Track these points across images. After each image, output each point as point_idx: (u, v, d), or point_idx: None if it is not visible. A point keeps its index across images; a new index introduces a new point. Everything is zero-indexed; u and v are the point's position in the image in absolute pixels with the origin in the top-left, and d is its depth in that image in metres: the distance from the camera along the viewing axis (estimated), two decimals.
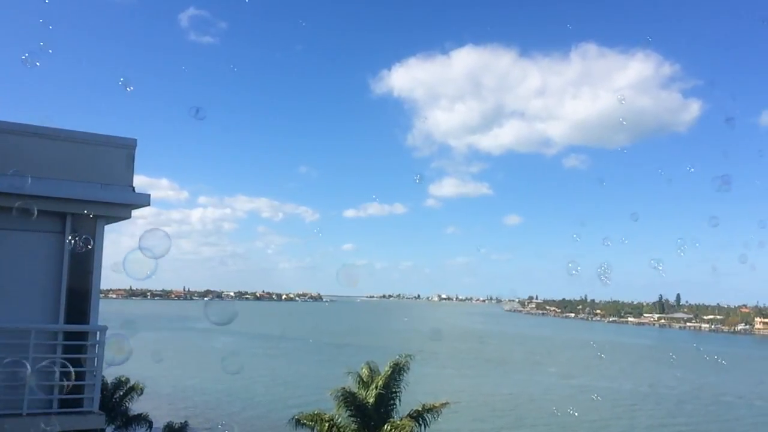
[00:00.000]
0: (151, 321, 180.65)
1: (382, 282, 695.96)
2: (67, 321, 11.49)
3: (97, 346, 11.49)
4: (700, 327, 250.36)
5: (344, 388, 26.70)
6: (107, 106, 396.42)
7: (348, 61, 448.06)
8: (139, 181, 12.22)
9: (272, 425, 51.39)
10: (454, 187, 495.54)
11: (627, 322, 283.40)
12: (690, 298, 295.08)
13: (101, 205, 11.65)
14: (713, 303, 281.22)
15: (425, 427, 26.96)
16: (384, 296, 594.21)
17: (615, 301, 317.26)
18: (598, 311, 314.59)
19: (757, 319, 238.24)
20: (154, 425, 38.81)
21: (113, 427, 34.71)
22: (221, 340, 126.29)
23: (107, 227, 12.10)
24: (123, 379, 36.81)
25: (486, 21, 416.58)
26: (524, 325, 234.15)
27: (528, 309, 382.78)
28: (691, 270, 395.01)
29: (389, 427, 25.47)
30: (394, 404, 26.99)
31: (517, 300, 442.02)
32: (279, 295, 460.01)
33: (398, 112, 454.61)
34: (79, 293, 11.58)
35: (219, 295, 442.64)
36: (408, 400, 27.67)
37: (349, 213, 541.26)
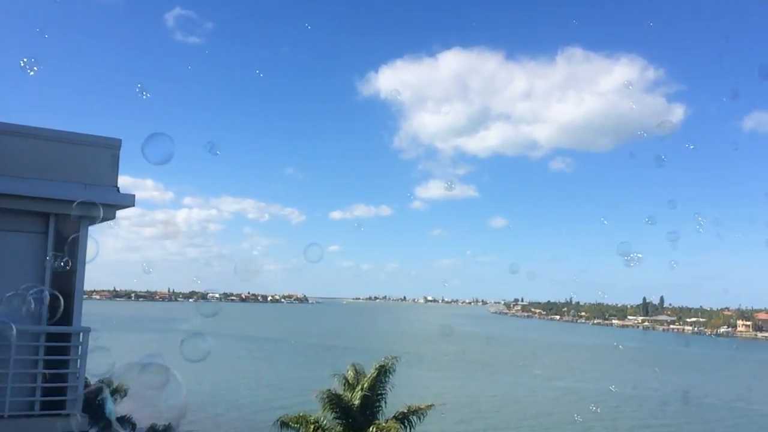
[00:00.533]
0: (135, 322, 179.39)
1: (369, 284, 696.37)
2: (50, 322, 11.38)
3: (80, 347, 11.40)
4: (684, 329, 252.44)
5: (329, 390, 26.65)
6: (92, 106, 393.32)
7: (335, 63, 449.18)
8: (124, 182, 12.16)
9: (257, 427, 51.16)
10: (440, 189, 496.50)
11: (611, 324, 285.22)
12: (673, 300, 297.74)
13: (85, 206, 11.56)
14: (696, 306, 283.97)
15: (410, 429, 26.95)
16: (370, 298, 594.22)
17: (599, 304, 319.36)
18: (583, 313, 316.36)
19: (740, 322, 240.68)
20: (138, 427, 38.52)
21: (96, 429, 34.38)
22: (207, 341, 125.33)
23: (91, 228, 12.01)
24: (106, 380, 36.49)
25: (472, 24, 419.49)
26: (510, 327, 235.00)
27: (513, 311, 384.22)
28: (675, 273, 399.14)
29: (374, 429, 25.44)
30: (380, 406, 26.97)
31: (502, 302, 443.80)
32: (264, 297, 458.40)
33: (385, 114, 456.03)
34: (61, 294, 11.48)
35: (204, 297, 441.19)
36: (393, 402, 27.66)
37: (336, 215, 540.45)
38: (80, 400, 11.42)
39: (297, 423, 26.47)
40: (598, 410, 66.09)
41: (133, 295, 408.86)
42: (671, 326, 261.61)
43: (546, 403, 71.93)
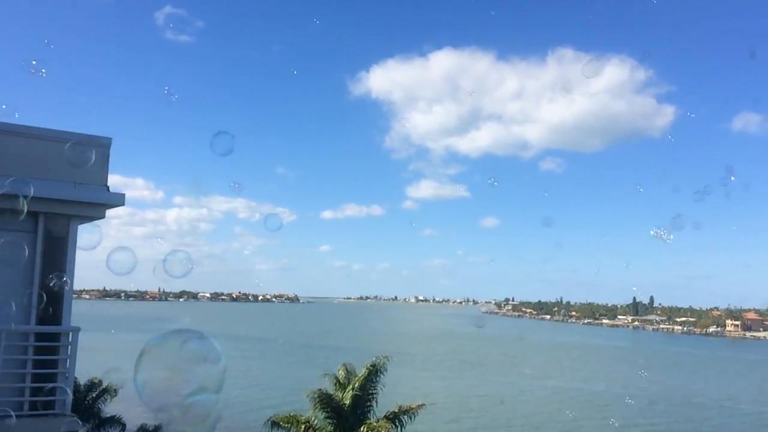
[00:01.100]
0: (126, 322, 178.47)
1: (360, 283, 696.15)
2: (39, 322, 11.32)
3: (69, 347, 11.34)
4: (673, 329, 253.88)
5: (321, 389, 26.63)
6: (83, 105, 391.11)
7: (326, 62, 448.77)
8: (114, 181, 12.10)
9: (248, 427, 51.01)
10: (431, 189, 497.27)
11: (602, 323, 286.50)
12: (663, 300, 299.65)
13: (74, 205, 11.50)
14: (686, 305, 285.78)
15: (401, 428, 26.95)
16: (361, 298, 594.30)
17: (590, 303, 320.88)
18: (573, 313, 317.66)
19: (728, 322, 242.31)
20: (128, 427, 38.34)
21: (86, 429, 34.20)
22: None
23: (80, 227, 11.95)
24: (96, 380, 36.29)
25: (464, 24, 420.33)
26: (501, 327, 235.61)
27: (504, 311, 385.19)
28: (665, 273, 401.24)
29: (365, 429, 25.43)
30: (371, 406, 26.97)
31: (493, 302, 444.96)
32: (255, 297, 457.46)
33: (376, 114, 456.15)
34: (51, 294, 11.42)
35: (195, 296, 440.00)
36: (385, 402, 27.67)
37: (327, 214, 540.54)
38: (69, 400, 11.35)
39: (288, 423, 26.43)
40: (586, 409, 66.49)
41: (123, 294, 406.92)
42: (661, 326, 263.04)
43: (536, 402, 72.20)
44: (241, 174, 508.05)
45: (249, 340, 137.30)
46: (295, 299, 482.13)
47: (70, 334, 11.42)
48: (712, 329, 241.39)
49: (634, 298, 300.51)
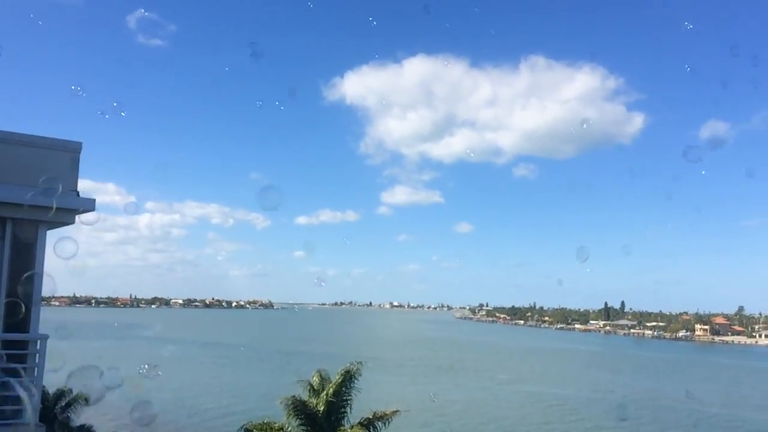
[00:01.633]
0: (96, 329, 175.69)
1: (335, 289, 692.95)
2: (6, 330, 11.10)
3: (37, 355, 11.13)
4: (644, 333, 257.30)
5: (294, 396, 26.48)
6: (53, 110, 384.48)
7: (300, 68, 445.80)
8: (85, 186, 11.93)
9: None
10: (406, 195, 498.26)
11: (574, 329, 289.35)
12: (634, 305, 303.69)
13: (43, 210, 11.31)
14: (656, 310, 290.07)
15: None
16: (336, 303, 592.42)
17: (562, 309, 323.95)
18: (546, 318, 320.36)
19: (698, 326, 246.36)
20: None
21: None
22: (168, 348, 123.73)
23: (49, 232, 11.76)
24: (65, 389, 35.66)
25: (437, 31, 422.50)
26: (475, 332, 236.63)
27: (479, 316, 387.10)
28: (635, 278, 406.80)
29: None
30: (345, 412, 26.88)
31: (467, 307, 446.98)
32: (229, 303, 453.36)
33: (351, 120, 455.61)
34: (18, 301, 11.20)
35: (167, 303, 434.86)
36: (359, 408, 27.61)
37: (301, 220, 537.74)
38: (37, 410, 11.14)
39: (261, 430, 26.25)
40: (563, 414, 67.09)
41: (93, 301, 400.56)
42: (632, 330, 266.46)
43: (510, 407, 72.63)
44: (214, 179, 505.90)
45: (222, 346, 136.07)
46: (269, 305, 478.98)
47: (39, 341, 11.22)
48: (681, 334, 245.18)
49: (606, 303, 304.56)
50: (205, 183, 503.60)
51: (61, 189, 11.37)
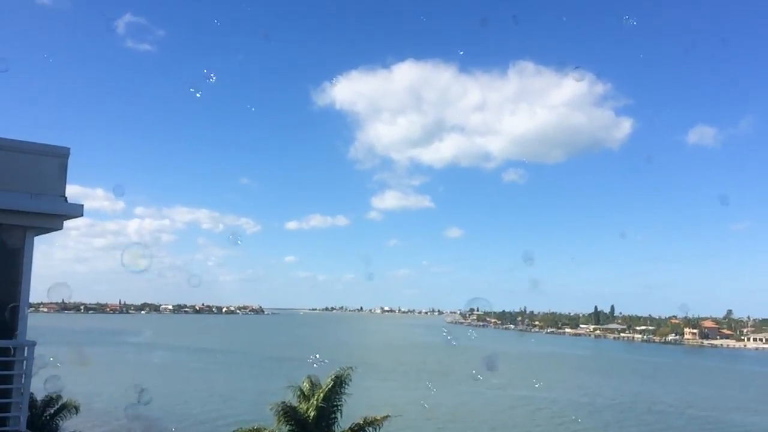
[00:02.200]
0: (85, 336, 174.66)
1: (325, 294, 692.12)
2: None
3: (24, 362, 11.06)
4: (633, 337, 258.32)
5: (284, 402, 26.40)
6: (43, 115, 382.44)
7: (290, 72, 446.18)
8: (73, 191, 11.88)
9: None
10: (396, 200, 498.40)
11: (564, 333, 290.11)
12: (624, 309, 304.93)
13: (31, 216, 11.25)
14: (645, 314, 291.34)
15: None
16: (327, 309, 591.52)
17: (553, 313, 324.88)
18: (537, 322, 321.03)
19: (687, 330, 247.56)
20: None
21: None
22: (158, 354, 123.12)
23: (37, 238, 11.70)
24: (54, 396, 35.40)
25: (426, 37, 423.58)
26: (466, 336, 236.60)
27: (469, 321, 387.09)
28: (625, 282, 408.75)
29: None
30: (336, 418, 26.82)
31: (458, 312, 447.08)
32: (219, 308, 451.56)
33: (341, 125, 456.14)
34: (5, 307, 11.13)
35: (157, 309, 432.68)
36: (349, 414, 27.56)
37: (292, 225, 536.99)
38: (25, 417, 11.07)
39: None
40: (553, 418, 67.19)
41: (82, 307, 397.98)
42: (622, 334, 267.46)
43: (499, 411, 72.69)
44: (204, 184, 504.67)
45: (212, 352, 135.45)
46: (259, 311, 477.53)
47: (26, 348, 11.14)
48: (670, 337, 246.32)
49: (596, 307, 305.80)
50: (195, 188, 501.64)
51: (49, 194, 11.34)
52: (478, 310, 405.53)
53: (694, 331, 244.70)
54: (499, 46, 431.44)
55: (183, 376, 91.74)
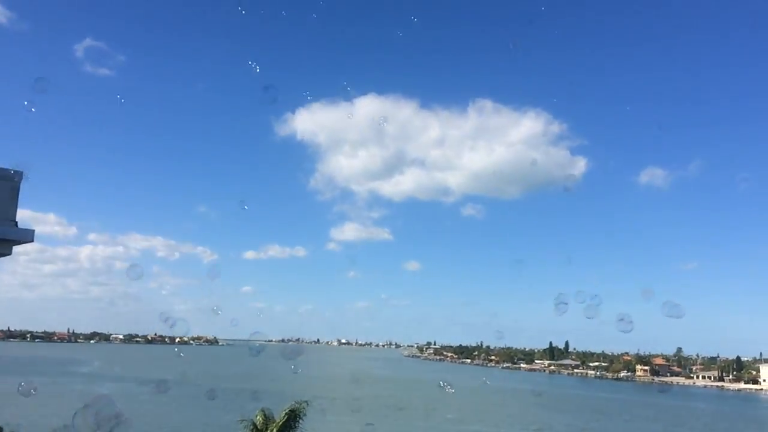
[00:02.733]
0: (31, 365, 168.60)
1: (282, 325, 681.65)
2: None
3: None
4: (587, 373, 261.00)
5: None
6: None
7: (252, 101, 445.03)
8: (23, 215, 11.61)
9: None
10: (355, 232, 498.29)
11: (520, 368, 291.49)
12: (578, 345, 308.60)
13: None
14: (599, 350, 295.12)
15: None
16: (283, 340, 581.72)
17: (508, 348, 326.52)
18: (493, 357, 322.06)
19: (638, 367, 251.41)
20: None
21: None
22: (106, 385, 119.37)
23: None
24: None
25: (388, 71, 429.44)
26: (422, 371, 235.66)
27: (426, 354, 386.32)
28: (579, 318, 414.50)
29: None
30: None
31: (415, 345, 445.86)
32: (172, 339, 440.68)
33: (302, 156, 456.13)
34: None
35: (107, 338, 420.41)
36: None
37: (249, 254, 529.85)
38: None
39: None
40: None
41: (29, 335, 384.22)
42: (575, 370, 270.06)
43: None
44: (160, 211, 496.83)
45: (162, 383, 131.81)
46: (214, 341, 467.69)
47: None
48: (623, 374, 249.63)
49: (551, 343, 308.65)
50: (150, 215, 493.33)
51: None
52: (435, 344, 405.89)
53: (646, 368, 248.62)
54: (459, 84, 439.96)
55: (131, 409, 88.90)
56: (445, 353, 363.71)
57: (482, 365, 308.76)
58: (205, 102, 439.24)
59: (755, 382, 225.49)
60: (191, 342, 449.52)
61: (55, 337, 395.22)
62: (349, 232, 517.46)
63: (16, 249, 11.81)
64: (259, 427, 26.78)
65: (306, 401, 27.80)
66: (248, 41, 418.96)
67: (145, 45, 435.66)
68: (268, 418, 27.17)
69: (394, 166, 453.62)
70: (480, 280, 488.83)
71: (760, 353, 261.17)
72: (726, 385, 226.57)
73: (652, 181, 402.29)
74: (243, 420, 27.41)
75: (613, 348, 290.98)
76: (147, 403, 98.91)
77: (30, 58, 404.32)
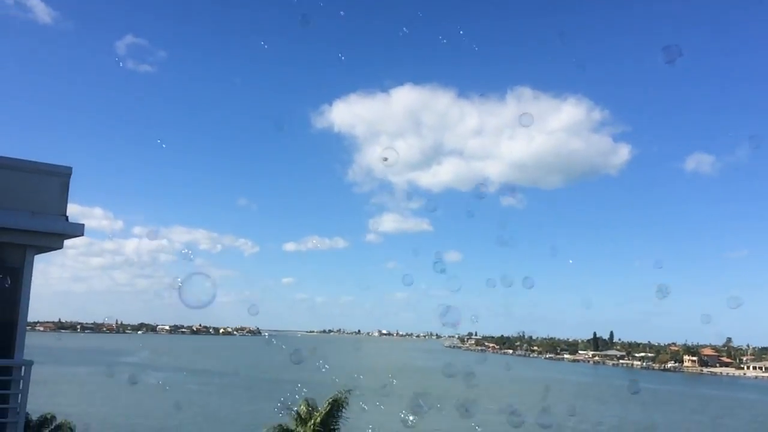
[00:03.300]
0: (81, 355, 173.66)
1: (323, 317, 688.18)
2: None
3: (21, 381, 10.99)
4: (633, 364, 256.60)
5: (281, 425, 26.22)
6: (42, 135, 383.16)
7: (288, 95, 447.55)
8: (72, 210, 11.87)
9: None
10: (394, 223, 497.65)
11: (563, 358, 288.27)
12: (623, 335, 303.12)
13: (31, 234, 11.26)
14: (645, 341, 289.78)
15: None
16: (324, 331, 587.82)
17: (551, 338, 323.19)
18: (535, 348, 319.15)
19: (686, 357, 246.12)
20: None
21: None
22: (154, 375, 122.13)
23: (36, 257, 11.69)
24: (48, 416, 35.12)
25: (425, 61, 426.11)
26: (465, 361, 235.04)
27: (467, 345, 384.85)
28: (624, 308, 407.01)
29: None
30: None
31: (456, 336, 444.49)
32: (216, 329, 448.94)
33: (339, 148, 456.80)
34: (3, 325, 11.10)
35: (153, 329, 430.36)
36: None
37: (290, 246, 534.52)
38: None
39: None
40: None
41: (78, 327, 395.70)
42: (621, 361, 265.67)
43: None
44: (202, 204, 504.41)
45: (208, 373, 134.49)
46: (257, 332, 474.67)
47: (23, 367, 11.08)
48: (670, 364, 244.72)
49: (595, 334, 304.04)
50: (193, 208, 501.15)
51: (50, 214, 11.37)
52: (476, 335, 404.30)
53: (694, 358, 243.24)
54: (497, 72, 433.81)
55: (177, 398, 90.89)
56: (486, 344, 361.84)
57: (524, 356, 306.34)
58: (243, 96, 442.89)
59: None
60: (235, 332, 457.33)
61: (104, 328, 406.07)
62: (387, 223, 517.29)
63: (66, 243, 12.11)
64: (302, 415, 27.02)
65: (349, 391, 27.94)
66: (283, 34, 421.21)
67: (184, 41, 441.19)
68: (311, 407, 27.40)
69: (432, 156, 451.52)
70: (521, 270, 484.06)
71: None
72: None
73: (698, 168, 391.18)
74: (287, 408, 27.71)
75: (659, 338, 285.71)
76: (192, 392, 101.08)
77: (73, 57, 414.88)
